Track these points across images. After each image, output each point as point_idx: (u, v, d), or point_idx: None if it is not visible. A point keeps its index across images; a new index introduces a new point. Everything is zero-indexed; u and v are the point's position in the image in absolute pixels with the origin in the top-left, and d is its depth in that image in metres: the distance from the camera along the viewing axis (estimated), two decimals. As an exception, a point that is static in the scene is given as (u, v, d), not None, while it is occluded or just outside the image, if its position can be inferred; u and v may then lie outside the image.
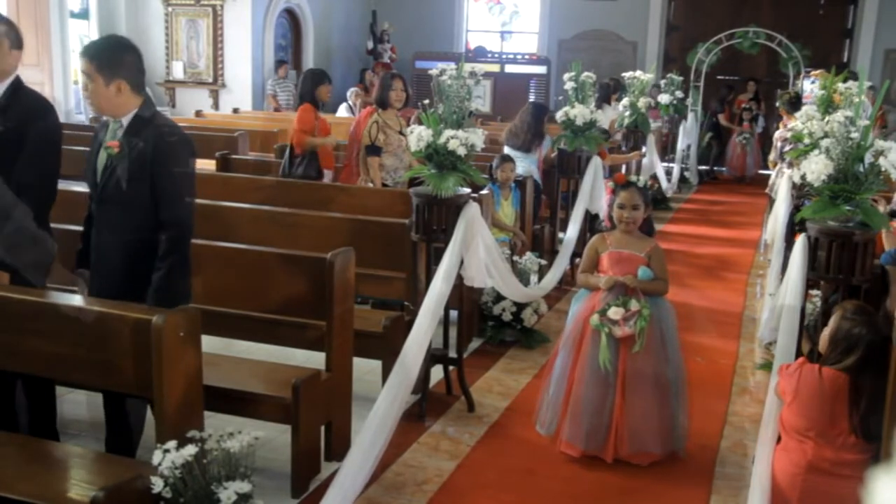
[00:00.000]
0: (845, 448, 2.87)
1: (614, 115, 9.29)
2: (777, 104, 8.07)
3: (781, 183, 6.44)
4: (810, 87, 10.46)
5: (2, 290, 2.93)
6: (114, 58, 3.03)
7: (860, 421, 2.86)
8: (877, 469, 1.13)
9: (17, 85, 3.34)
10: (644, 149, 9.73)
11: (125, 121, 3.07)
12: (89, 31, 11.24)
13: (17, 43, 3.35)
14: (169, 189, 3.06)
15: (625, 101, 9.25)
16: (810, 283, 4.03)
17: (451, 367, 4.41)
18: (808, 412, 2.91)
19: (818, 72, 9.28)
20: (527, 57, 14.65)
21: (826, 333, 3.04)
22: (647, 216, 3.88)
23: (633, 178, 3.97)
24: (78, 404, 3.97)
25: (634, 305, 3.57)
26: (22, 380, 3.41)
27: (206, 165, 6.97)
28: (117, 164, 3.04)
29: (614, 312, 3.57)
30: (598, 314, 3.61)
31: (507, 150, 6.46)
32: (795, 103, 7.29)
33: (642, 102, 9.27)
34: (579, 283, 3.92)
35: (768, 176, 8.16)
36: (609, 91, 9.90)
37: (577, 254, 6.74)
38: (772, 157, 7.63)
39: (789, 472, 2.93)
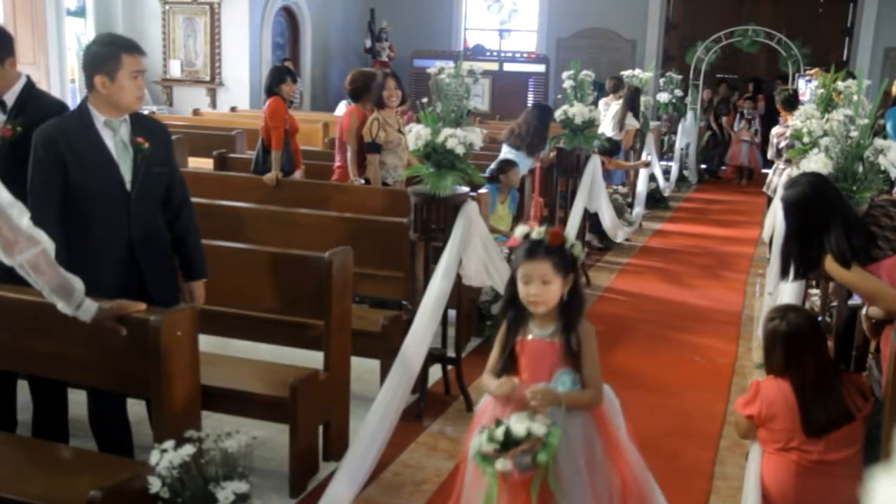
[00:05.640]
0: (829, 448, 2.84)
1: (631, 123, 9.19)
2: (775, 96, 8.06)
3: (780, 182, 6.44)
4: (806, 85, 10.46)
5: (1, 290, 2.92)
6: None
7: (802, 416, 2.83)
8: (875, 468, 1.13)
9: (30, 86, 3.34)
10: (647, 155, 9.72)
11: (127, 116, 3.08)
12: (86, 30, 11.21)
13: (9, 50, 3.33)
14: (178, 172, 3.32)
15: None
16: (809, 283, 4.04)
17: (449, 367, 4.40)
18: (782, 425, 2.88)
19: (813, 70, 9.29)
20: (525, 55, 14.64)
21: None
22: (572, 287, 2.55)
23: (534, 232, 2.54)
24: (78, 404, 3.96)
25: (537, 428, 2.32)
26: (29, 381, 3.41)
27: (203, 164, 6.98)
28: (144, 159, 3.06)
29: (489, 445, 2.32)
30: (477, 445, 2.36)
31: (506, 149, 6.44)
32: (793, 101, 7.28)
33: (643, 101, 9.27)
34: (481, 386, 2.77)
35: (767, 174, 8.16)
36: (618, 86, 9.83)
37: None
38: (770, 154, 7.64)
39: (781, 480, 2.90)
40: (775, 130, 7.42)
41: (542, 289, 2.48)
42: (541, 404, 2.42)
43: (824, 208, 3.00)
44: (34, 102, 3.32)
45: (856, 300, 3.28)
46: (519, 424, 2.32)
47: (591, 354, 2.54)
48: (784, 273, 3.16)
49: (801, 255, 3.07)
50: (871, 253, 2.93)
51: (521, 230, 2.57)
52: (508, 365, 2.59)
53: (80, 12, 11.27)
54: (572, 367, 2.52)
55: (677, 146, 12.01)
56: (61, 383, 3.34)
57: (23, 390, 3.50)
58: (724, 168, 13.55)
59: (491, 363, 2.64)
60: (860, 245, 2.93)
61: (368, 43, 14.69)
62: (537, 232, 2.53)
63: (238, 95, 12.01)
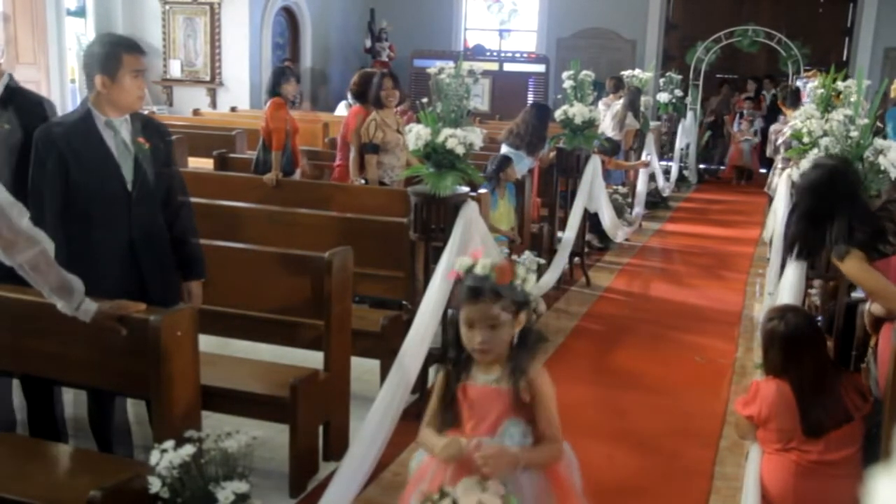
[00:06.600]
0: (829, 448, 2.84)
1: (631, 123, 9.19)
2: (775, 93, 8.07)
3: (780, 181, 6.44)
4: (804, 87, 10.47)
5: (1, 290, 2.92)
6: None
7: (801, 416, 2.83)
8: (875, 467, 1.13)
9: (12, 84, 3.33)
10: (647, 156, 9.72)
11: (128, 116, 3.07)
12: (86, 30, 11.21)
13: None
14: (178, 172, 3.33)
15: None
16: (809, 283, 4.03)
17: (449, 367, 4.39)
18: (781, 426, 2.88)
19: (811, 72, 9.31)
20: (525, 55, 14.64)
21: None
22: (525, 327, 2.21)
23: (478, 266, 2.17)
24: (78, 404, 3.96)
25: (489, 500, 1.99)
26: (20, 380, 3.41)
27: (203, 164, 6.98)
28: (144, 160, 3.06)
29: None
30: None
31: (505, 148, 6.44)
32: (795, 99, 7.28)
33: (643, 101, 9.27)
34: (419, 441, 2.38)
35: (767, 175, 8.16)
36: (618, 86, 9.80)
37: (575, 253, 6.77)
38: (768, 152, 7.64)
39: (780, 480, 2.90)
40: (774, 127, 7.42)
41: (490, 334, 2.12)
42: (495, 471, 2.04)
43: (832, 198, 2.98)
44: (18, 100, 3.31)
45: (859, 293, 3.27)
46: (468, 497, 1.97)
47: (547, 403, 2.18)
48: (788, 249, 3.17)
49: (804, 237, 3.07)
50: (880, 248, 2.92)
51: (462, 262, 2.20)
52: (449, 415, 2.25)
53: (80, 12, 11.26)
54: (522, 416, 2.18)
55: (677, 146, 12.00)
56: (48, 381, 3.34)
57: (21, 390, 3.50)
58: (721, 168, 13.55)
59: (429, 414, 2.29)
60: (864, 239, 2.91)
61: (368, 43, 14.69)
62: (482, 266, 2.15)
63: (238, 95, 12.00)
